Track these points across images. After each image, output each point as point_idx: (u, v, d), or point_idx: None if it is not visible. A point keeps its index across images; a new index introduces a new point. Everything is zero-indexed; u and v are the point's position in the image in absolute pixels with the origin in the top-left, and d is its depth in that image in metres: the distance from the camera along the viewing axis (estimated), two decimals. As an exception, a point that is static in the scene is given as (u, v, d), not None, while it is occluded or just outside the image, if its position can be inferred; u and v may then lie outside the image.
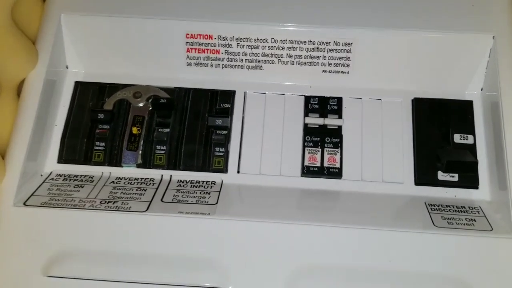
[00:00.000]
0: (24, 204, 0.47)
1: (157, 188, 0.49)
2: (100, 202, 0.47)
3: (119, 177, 0.51)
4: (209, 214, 0.46)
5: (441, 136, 0.51)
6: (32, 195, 0.48)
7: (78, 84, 0.55)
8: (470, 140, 0.50)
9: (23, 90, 0.52)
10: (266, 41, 0.53)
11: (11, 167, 0.49)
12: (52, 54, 0.53)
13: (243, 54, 0.54)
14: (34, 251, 0.45)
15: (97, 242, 0.46)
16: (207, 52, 0.54)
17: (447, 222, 0.45)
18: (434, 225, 0.45)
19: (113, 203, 0.47)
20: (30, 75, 0.52)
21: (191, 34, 0.53)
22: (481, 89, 0.53)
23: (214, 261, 0.45)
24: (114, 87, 0.55)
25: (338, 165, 0.51)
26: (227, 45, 0.54)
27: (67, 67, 0.56)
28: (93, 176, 0.51)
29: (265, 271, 0.44)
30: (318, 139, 0.52)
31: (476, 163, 0.48)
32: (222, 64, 0.55)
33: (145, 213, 0.46)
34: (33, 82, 0.51)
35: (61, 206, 0.47)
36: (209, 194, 0.49)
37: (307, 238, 0.45)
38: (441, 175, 0.50)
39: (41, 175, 0.51)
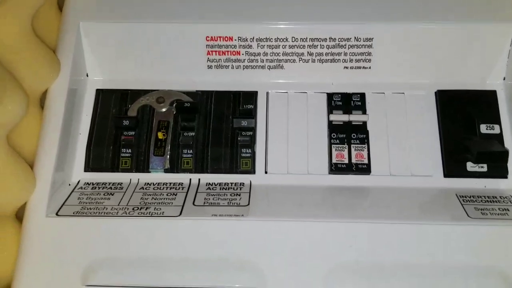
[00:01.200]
0: (57, 214, 0.47)
1: (187, 192, 0.49)
2: (133, 209, 0.47)
3: (148, 183, 0.51)
4: (242, 215, 0.46)
5: (467, 127, 0.51)
6: (63, 205, 0.48)
7: (99, 92, 0.55)
8: (496, 130, 0.51)
9: (47, 100, 0.52)
10: (287, 40, 0.53)
11: (40, 178, 0.49)
12: (73, 63, 0.53)
13: (263, 54, 0.54)
14: (71, 261, 0.45)
15: (133, 249, 0.46)
16: (228, 54, 0.54)
17: (481, 212, 0.46)
18: (469, 216, 0.45)
19: (146, 209, 0.47)
20: (53, 85, 0.52)
21: (211, 37, 0.53)
22: (504, 79, 0.53)
23: (251, 262, 0.45)
24: (136, 93, 0.55)
25: (366, 161, 0.51)
26: (248, 46, 0.54)
27: (87, 75, 0.56)
28: (122, 183, 0.51)
29: (302, 270, 0.44)
30: (344, 135, 0.52)
31: (507, 152, 0.48)
32: (243, 65, 0.55)
33: (179, 217, 0.46)
34: (57, 92, 0.51)
35: (94, 215, 0.47)
36: (239, 195, 0.49)
37: (342, 236, 0.45)
38: (470, 166, 0.50)
39: (69, 185, 0.51)
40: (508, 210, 0.46)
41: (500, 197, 0.48)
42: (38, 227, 0.47)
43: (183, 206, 0.47)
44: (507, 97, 0.52)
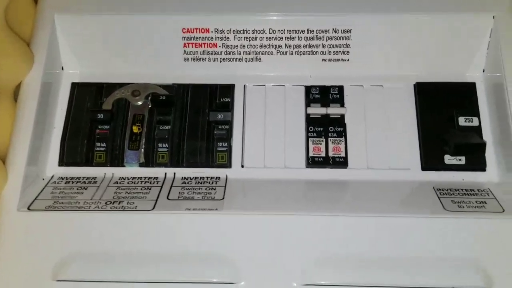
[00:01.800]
0: (28, 208, 0.46)
1: (161, 186, 0.49)
2: (106, 203, 0.46)
3: (122, 177, 0.50)
4: (216, 209, 0.45)
5: (445, 119, 0.50)
6: (35, 199, 0.47)
7: (75, 85, 0.54)
8: (475, 122, 0.50)
9: (20, 94, 0.51)
10: (264, 32, 0.52)
11: (13, 172, 0.48)
12: (48, 56, 0.52)
13: (241, 46, 0.53)
14: (42, 256, 0.45)
15: (105, 243, 0.45)
16: (205, 46, 0.53)
17: (458, 205, 0.45)
18: (445, 209, 0.45)
19: (119, 203, 0.46)
20: (26, 78, 0.51)
21: (187, 29, 0.53)
22: (483, 71, 0.52)
23: (225, 256, 0.44)
24: (111, 87, 0.54)
25: (343, 154, 0.50)
26: (224, 38, 0.53)
27: (62, 69, 0.55)
28: (96, 177, 0.50)
29: (276, 264, 0.44)
30: (322, 129, 0.51)
31: (484, 144, 0.48)
32: (220, 58, 0.54)
33: (152, 211, 0.45)
34: (30, 85, 0.51)
35: (66, 209, 0.46)
36: (214, 189, 0.48)
37: (317, 229, 0.45)
38: (448, 159, 0.49)
39: (43, 179, 0.50)
40: (485, 203, 0.45)
41: (477, 190, 0.47)
42: (9, 221, 0.46)
43: (156, 200, 0.47)
44: (486, 89, 0.52)
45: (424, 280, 0.43)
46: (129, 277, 0.44)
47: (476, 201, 0.46)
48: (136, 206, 0.46)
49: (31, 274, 0.44)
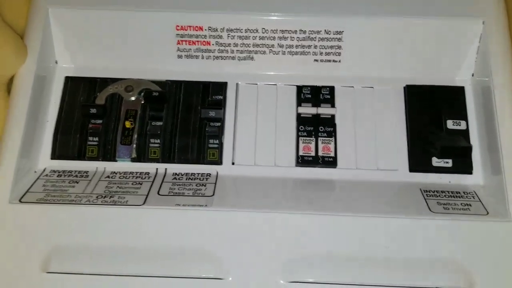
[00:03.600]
0: (20, 201, 0.47)
1: (152, 182, 0.49)
2: (97, 197, 0.47)
3: (114, 172, 0.51)
4: (206, 205, 0.46)
5: (433, 122, 0.51)
6: (27, 192, 0.48)
7: (68, 79, 0.54)
8: (462, 125, 0.51)
9: (14, 87, 0.51)
10: (257, 31, 0.53)
11: (4, 164, 0.48)
12: (41, 49, 0.52)
13: (234, 45, 0.54)
14: (32, 248, 0.45)
15: (95, 237, 0.45)
16: (198, 44, 0.54)
17: (443, 207, 0.46)
18: (431, 210, 0.46)
19: (110, 198, 0.47)
20: (20, 72, 0.51)
21: (181, 26, 0.53)
22: (472, 75, 0.53)
23: (213, 252, 0.45)
24: (105, 82, 0.54)
25: (332, 154, 0.51)
26: (218, 36, 0.53)
27: (56, 62, 0.55)
28: (88, 171, 0.51)
29: (263, 260, 0.44)
30: (312, 128, 0.52)
31: (470, 147, 0.48)
32: (213, 56, 0.54)
33: (142, 206, 0.46)
34: (23, 78, 0.51)
35: (57, 202, 0.46)
36: (205, 186, 0.49)
37: (304, 227, 0.45)
38: (435, 161, 0.50)
39: (35, 172, 0.51)
40: (470, 205, 0.46)
41: (463, 192, 0.48)
42: (0, 213, 0.46)
43: (147, 195, 0.47)
44: (474, 94, 0.52)
45: (407, 279, 0.43)
46: (118, 270, 0.44)
47: (461, 204, 0.46)
48: (127, 201, 0.47)
49: (21, 265, 0.45)
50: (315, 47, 0.53)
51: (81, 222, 0.46)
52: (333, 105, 0.53)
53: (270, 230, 0.45)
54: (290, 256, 0.45)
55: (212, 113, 0.52)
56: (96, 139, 0.52)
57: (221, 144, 0.52)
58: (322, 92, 0.53)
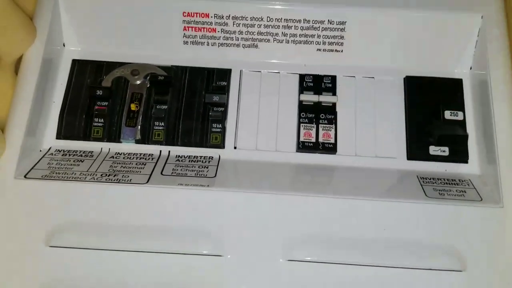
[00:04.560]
0: (25, 177, 0.48)
1: (156, 163, 0.50)
2: (101, 175, 0.48)
3: (118, 153, 0.52)
4: (208, 186, 0.47)
5: (432, 112, 0.52)
6: (32, 168, 0.49)
7: (75, 62, 0.55)
8: (460, 116, 0.52)
9: (21, 67, 0.52)
10: (262, 19, 0.54)
11: (11, 141, 0.49)
12: (50, 32, 0.53)
13: (239, 32, 0.55)
14: (36, 222, 0.46)
15: (99, 213, 0.46)
16: (204, 31, 0.55)
17: (439, 193, 0.47)
18: (426, 195, 0.47)
19: (114, 176, 0.48)
20: (27, 52, 0.52)
21: (188, 13, 0.54)
22: (470, 68, 0.54)
23: (213, 230, 0.46)
24: (111, 65, 0.55)
25: (332, 141, 0.52)
26: (223, 24, 0.55)
27: (64, 45, 0.56)
28: (93, 151, 0.52)
29: (263, 240, 0.46)
30: (313, 115, 0.53)
31: (466, 136, 0.50)
32: (219, 43, 0.56)
33: (145, 185, 0.47)
34: (31, 59, 0.52)
35: (62, 179, 0.47)
36: (207, 168, 0.50)
37: (302, 208, 0.47)
38: (432, 150, 0.51)
39: (40, 151, 0.52)
40: (465, 192, 0.47)
41: (459, 180, 0.49)
42: (6, 188, 0.47)
43: (151, 175, 0.48)
44: (472, 86, 0.54)
45: (403, 260, 0.45)
46: (119, 246, 0.45)
47: (456, 190, 0.48)
48: (130, 179, 0.48)
49: (25, 239, 0.46)
50: (318, 36, 0.54)
51: (84, 199, 0.47)
52: (334, 94, 0.54)
53: (269, 211, 0.47)
54: (289, 236, 0.46)
55: (216, 98, 0.53)
56: (102, 120, 0.53)
57: (224, 129, 0.53)
58: (324, 81, 0.55)
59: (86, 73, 0.55)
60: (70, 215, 0.46)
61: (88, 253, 0.45)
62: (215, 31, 0.55)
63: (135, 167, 0.50)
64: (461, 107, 0.53)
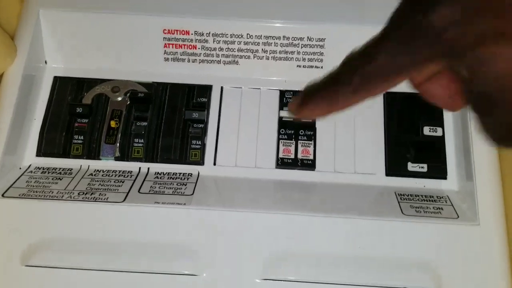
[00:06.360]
0: (3, 195, 0.48)
1: (134, 180, 0.50)
2: (78, 194, 0.48)
3: (98, 170, 0.52)
4: (184, 204, 0.47)
5: (411, 128, 0.52)
6: (10, 187, 0.49)
7: (57, 79, 0.56)
8: (439, 132, 0.52)
9: (2, 85, 0.52)
10: (242, 36, 0.54)
11: (-11, 160, 0.49)
12: (31, 49, 0.54)
13: (219, 49, 0.55)
14: (12, 241, 0.46)
15: (75, 232, 0.46)
16: (184, 48, 0.55)
17: (415, 210, 0.47)
18: (403, 213, 0.47)
19: (91, 194, 0.48)
20: (8, 70, 0.52)
21: (168, 30, 0.54)
22: (450, 84, 0.54)
23: (189, 249, 0.46)
24: (92, 82, 0.55)
25: (311, 157, 0.52)
26: (204, 41, 0.55)
27: (46, 62, 0.56)
28: (72, 169, 0.52)
29: (239, 258, 0.46)
30: (292, 131, 0.53)
31: (444, 152, 0.50)
32: (199, 59, 0.56)
33: (122, 203, 0.47)
34: (12, 77, 0.52)
35: (39, 198, 0.47)
36: (185, 185, 0.50)
37: (280, 227, 0.46)
38: (411, 166, 0.51)
39: (20, 168, 0.52)
40: (442, 209, 0.47)
41: (437, 196, 0.49)
42: (-17, 207, 0.47)
43: (128, 193, 0.48)
44: (452, 102, 0.53)
45: (378, 279, 0.44)
46: (96, 265, 0.45)
47: (433, 207, 0.48)
48: (107, 198, 0.48)
49: (1, 258, 0.46)
50: (298, 53, 0.55)
51: (61, 218, 0.47)
52: (314, 110, 0.54)
53: (246, 229, 0.46)
54: (265, 255, 0.46)
55: (195, 115, 0.53)
56: (82, 137, 0.53)
57: (203, 145, 0.53)
58: (304, 97, 0.54)
59: (67, 90, 0.55)
60: (46, 234, 0.46)
61: (63, 272, 0.45)
62: (195, 48, 0.55)
63: (113, 185, 0.50)
64: (440, 123, 0.53)
